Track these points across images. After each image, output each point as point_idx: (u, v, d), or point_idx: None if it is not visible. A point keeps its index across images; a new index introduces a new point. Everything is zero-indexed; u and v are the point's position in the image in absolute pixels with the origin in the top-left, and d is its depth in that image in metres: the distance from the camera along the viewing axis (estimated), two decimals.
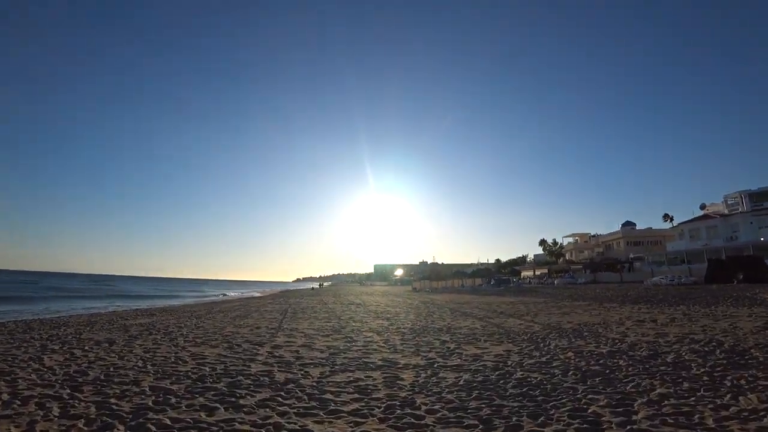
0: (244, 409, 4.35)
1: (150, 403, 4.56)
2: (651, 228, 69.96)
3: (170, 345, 8.71)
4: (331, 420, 4.06)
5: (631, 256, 57.53)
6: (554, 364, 6.36)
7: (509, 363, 6.60)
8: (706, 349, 7.16)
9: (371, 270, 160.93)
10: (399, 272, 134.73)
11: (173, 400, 4.66)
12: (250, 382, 5.53)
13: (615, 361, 6.48)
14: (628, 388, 4.95)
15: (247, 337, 9.90)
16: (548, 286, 46.90)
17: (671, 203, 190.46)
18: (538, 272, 70.78)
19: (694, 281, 31.86)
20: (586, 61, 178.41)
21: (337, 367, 6.46)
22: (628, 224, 67.80)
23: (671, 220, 76.04)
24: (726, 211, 49.94)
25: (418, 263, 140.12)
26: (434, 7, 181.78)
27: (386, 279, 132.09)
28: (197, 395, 4.88)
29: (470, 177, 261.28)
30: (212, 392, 5.00)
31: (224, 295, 51.31)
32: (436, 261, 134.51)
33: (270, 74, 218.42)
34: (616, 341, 8.38)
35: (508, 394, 4.86)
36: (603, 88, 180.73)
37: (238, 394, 4.91)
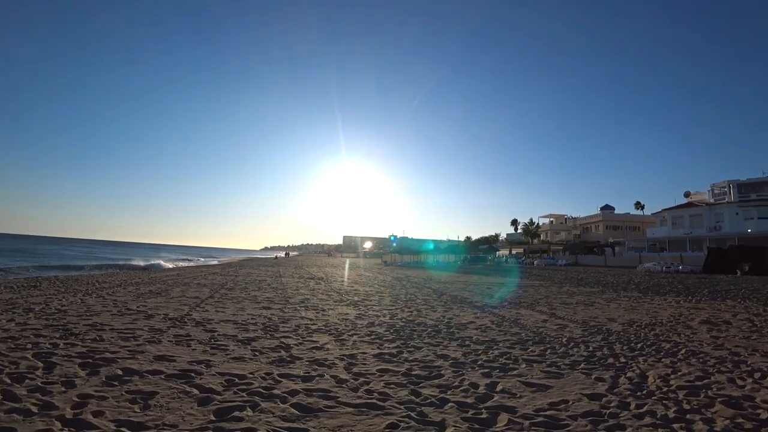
0: None
1: None
2: (629, 213, 68.73)
3: None
4: None
5: (611, 240, 55.77)
6: None
7: None
8: None
9: (340, 241, 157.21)
10: (368, 245, 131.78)
11: None
12: None
13: None
14: None
15: (119, 330, 5.58)
16: (528, 266, 44.24)
17: (643, 191, 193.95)
18: (514, 251, 68.59)
19: (691, 270, 29.43)
20: (567, 40, 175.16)
21: None
22: (607, 208, 66.10)
23: (642, 208, 75.43)
24: (712, 200, 48.30)
25: (387, 237, 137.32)
26: None
27: (355, 251, 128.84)
28: None
29: (442, 154, 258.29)
30: None
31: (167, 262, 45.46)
32: (405, 235, 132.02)
33: (242, 38, 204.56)
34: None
35: None
36: (582, 69, 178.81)
37: None
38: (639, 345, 6.38)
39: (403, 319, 7.90)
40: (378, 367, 4.49)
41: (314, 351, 5.16)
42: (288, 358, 4.71)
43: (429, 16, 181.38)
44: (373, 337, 6.16)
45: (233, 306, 8.99)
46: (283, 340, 5.72)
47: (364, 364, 4.64)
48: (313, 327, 6.79)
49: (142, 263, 33.90)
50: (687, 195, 52.89)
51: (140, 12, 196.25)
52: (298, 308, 8.95)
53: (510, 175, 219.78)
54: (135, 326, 6.37)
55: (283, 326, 6.76)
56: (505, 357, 5.29)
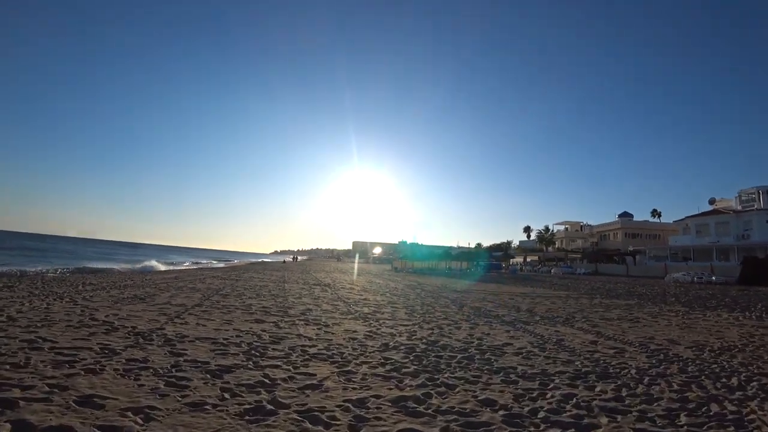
0: None
1: None
2: (648, 221, 66.31)
3: None
4: None
5: (631, 248, 53.47)
6: None
7: None
8: None
9: (350, 246, 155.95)
10: (378, 250, 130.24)
11: None
12: None
13: None
14: None
15: (61, 350, 4.19)
16: (545, 274, 42.32)
17: (659, 199, 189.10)
18: (528, 259, 66.48)
19: (725, 281, 27.37)
20: (582, 43, 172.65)
21: None
22: (626, 215, 63.72)
23: (659, 215, 72.74)
24: (739, 207, 45.92)
25: (397, 242, 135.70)
26: None
27: (364, 256, 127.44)
28: None
29: (453, 160, 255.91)
30: None
31: (172, 264, 44.30)
32: (416, 242, 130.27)
33: (254, 45, 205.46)
34: None
35: None
36: (594, 75, 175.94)
37: None
38: (733, 380, 4.86)
39: (424, 340, 6.41)
40: (400, 428, 3.01)
41: (307, 392, 3.69)
42: (268, 407, 3.25)
43: (442, 19, 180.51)
44: (388, 367, 4.68)
45: (220, 317, 7.57)
46: (268, 371, 4.26)
47: (379, 419, 3.16)
48: (312, 350, 5.33)
49: (139, 265, 32.80)
50: (712, 202, 50.47)
51: (169, 38, 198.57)
52: (297, 322, 7.49)
53: (522, 181, 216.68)
54: (85, 344, 4.98)
55: (273, 348, 5.31)
56: (571, 403, 3.79)
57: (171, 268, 33.20)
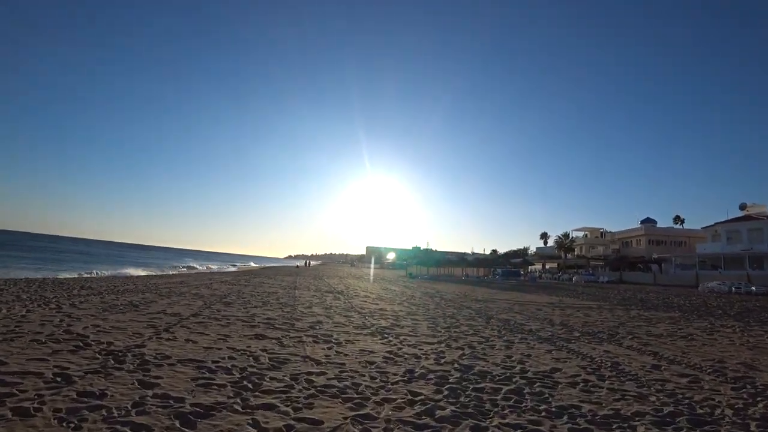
0: None
1: None
2: (672, 227, 63.79)
3: None
4: None
5: (655, 255, 51.22)
6: None
7: None
8: None
9: (363, 252, 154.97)
10: (391, 255, 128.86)
11: None
12: None
13: None
14: None
15: (6, 371, 3.19)
16: (566, 282, 40.59)
17: (681, 204, 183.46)
18: (547, 266, 64.49)
19: (767, 291, 25.47)
20: (597, 46, 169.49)
21: None
22: (649, 221, 61.34)
23: (682, 222, 69.89)
24: None
25: (411, 248, 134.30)
26: None
27: (378, 261, 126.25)
28: None
29: (467, 165, 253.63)
30: None
31: (183, 267, 43.73)
32: (430, 247, 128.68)
33: (268, 55, 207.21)
34: None
35: None
36: (611, 78, 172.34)
37: None
38: None
39: (456, 365, 5.26)
40: None
41: None
42: None
43: (455, 21, 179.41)
44: (418, 408, 3.55)
45: (216, 331, 6.55)
46: (259, 415, 3.18)
47: None
48: (320, 380, 4.23)
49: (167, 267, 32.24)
50: (743, 207, 48.00)
51: (185, 46, 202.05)
52: (304, 338, 6.41)
53: (537, 187, 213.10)
54: (39, 367, 4.00)
55: (271, 377, 4.23)
56: None
57: (203, 269, 32.59)
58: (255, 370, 4.43)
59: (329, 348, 5.80)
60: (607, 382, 4.93)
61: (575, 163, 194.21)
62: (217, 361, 4.68)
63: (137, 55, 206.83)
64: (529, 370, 5.22)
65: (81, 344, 5.14)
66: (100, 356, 4.64)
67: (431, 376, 4.63)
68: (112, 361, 4.44)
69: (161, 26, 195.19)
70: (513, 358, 5.90)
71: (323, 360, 5.04)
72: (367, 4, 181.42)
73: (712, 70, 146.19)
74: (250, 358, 4.95)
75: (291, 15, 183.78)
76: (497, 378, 4.76)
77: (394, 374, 4.63)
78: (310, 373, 4.43)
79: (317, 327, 7.59)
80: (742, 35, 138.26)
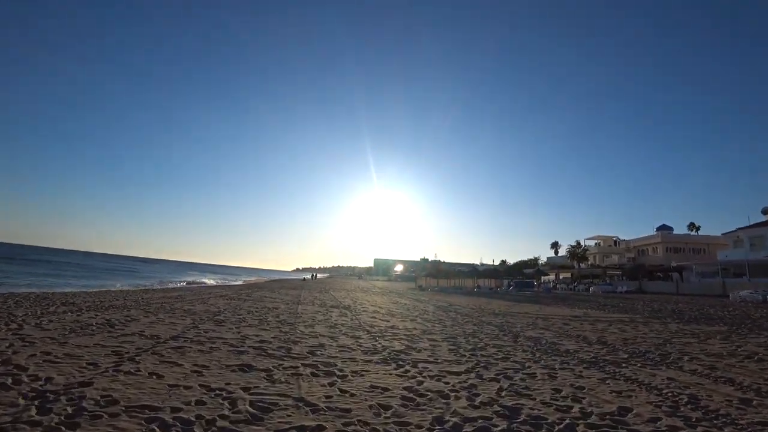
0: None
1: None
2: (690, 234, 61.77)
3: None
4: None
5: (673, 263, 49.27)
6: None
7: None
8: None
9: (371, 264, 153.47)
10: (399, 267, 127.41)
11: None
12: None
13: None
14: None
15: None
16: (583, 293, 38.82)
17: (693, 212, 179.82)
18: (561, 276, 62.57)
19: None
20: (605, 53, 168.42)
21: None
22: (665, 228, 59.37)
23: (697, 229, 67.64)
24: None
25: (419, 260, 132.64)
26: (440, 4, 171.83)
27: (386, 274, 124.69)
28: None
29: (474, 176, 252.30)
30: None
31: (182, 282, 42.35)
32: (438, 258, 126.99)
33: (275, 69, 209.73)
34: None
35: None
36: (619, 90, 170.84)
37: None
38: None
39: (497, 406, 4.00)
40: None
41: None
42: None
43: (461, 32, 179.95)
44: None
45: (193, 360, 5.34)
46: None
47: None
48: None
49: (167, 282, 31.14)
50: (766, 212, 46.06)
51: (193, 61, 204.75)
52: (302, 369, 5.17)
53: (545, 196, 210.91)
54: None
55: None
56: None
57: (211, 283, 31.50)
58: (226, 424, 3.21)
59: (331, 384, 4.55)
60: (699, 429, 3.66)
61: (582, 171, 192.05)
62: (179, 409, 3.47)
63: (144, 67, 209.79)
64: (592, 412, 3.96)
65: (9, 382, 3.97)
66: (22, 401, 3.46)
67: (469, 429, 3.38)
68: (34, 411, 3.25)
69: (171, 45, 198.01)
70: (563, 393, 4.63)
71: (321, 406, 3.79)
72: (375, 18, 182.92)
73: (724, 72, 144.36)
74: (225, 402, 3.73)
75: (299, 33, 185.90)
76: (556, 428, 3.50)
77: (418, 426, 3.38)
78: (302, 429, 3.19)
79: (318, 352, 6.34)
80: (762, 37, 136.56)
